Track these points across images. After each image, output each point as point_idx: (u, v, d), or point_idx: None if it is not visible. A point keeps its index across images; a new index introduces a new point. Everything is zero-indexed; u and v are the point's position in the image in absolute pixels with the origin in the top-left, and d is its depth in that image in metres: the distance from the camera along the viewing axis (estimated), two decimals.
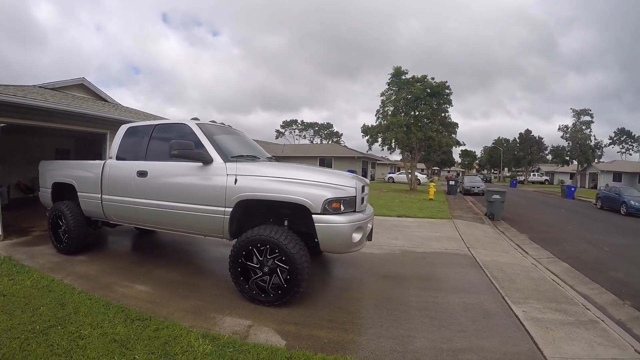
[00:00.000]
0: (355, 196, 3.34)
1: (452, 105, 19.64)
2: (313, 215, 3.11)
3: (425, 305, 3.41)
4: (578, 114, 38.78)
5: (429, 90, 18.96)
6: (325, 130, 71.92)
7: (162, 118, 7.46)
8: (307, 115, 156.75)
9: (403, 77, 19.74)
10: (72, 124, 6.14)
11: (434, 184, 16.58)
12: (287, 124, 71.23)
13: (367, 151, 26.06)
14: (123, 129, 4.48)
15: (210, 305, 3.26)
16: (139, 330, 2.70)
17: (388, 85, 20.26)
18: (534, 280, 4.32)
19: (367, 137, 20.66)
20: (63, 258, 4.53)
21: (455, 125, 20.31)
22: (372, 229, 3.85)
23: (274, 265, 3.20)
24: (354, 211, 3.34)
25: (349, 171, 19.12)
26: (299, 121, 71.48)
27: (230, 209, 3.40)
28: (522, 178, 48.86)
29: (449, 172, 67.51)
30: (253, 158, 4.09)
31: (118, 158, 4.33)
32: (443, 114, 19.69)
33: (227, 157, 3.66)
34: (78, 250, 4.67)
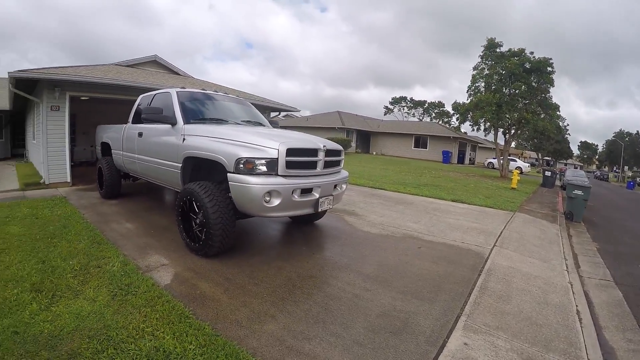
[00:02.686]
0: (277, 158, 3.63)
1: (553, 85, 18.14)
2: (228, 174, 3.63)
3: (339, 295, 3.21)
4: None
5: (527, 66, 17.63)
6: (435, 109, 71.96)
7: (230, 91, 8.89)
8: (420, 94, 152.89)
9: (497, 50, 18.83)
10: (134, 95, 8.19)
11: (517, 171, 15.27)
12: (396, 101, 74.09)
13: (452, 128, 25.08)
14: (139, 97, 5.88)
15: (157, 244, 4.24)
16: (91, 249, 3.89)
17: (481, 58, 19.48)
18: (544, 307, 3.42)
19: (457, 115, 20.28)
20: (100, 201, 6.37)
21: (557, 107, 18.68)
22: (319, 200, 4.02)
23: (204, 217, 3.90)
24: (276, 174, 3.69)
25: (443, 152, 19.68)
26: (409, 98, 74.18)
27: (180, 165, 4.28)
28: None
29: (565, 164, 60.41)
30: (218, 121, 4.84)
31: (133, 122, 5.77)
32: (543, 95, 18.21)
33: (188, 120, 4.52)
34: (112, 195, 6.45)
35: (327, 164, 4.33)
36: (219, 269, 3.65)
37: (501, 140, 20.98)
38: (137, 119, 5.68)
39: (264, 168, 3.61)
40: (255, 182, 3.51)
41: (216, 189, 3.83)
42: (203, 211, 3.71)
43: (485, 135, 21.57)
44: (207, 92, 5.51)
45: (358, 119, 39.53)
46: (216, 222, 3.66)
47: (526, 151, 57.43)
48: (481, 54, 19.51)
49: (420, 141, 34.13)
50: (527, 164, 34.25)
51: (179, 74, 12.63)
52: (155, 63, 12.17)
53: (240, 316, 2.77)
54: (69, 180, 7.65)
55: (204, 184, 3.85)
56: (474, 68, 19.80)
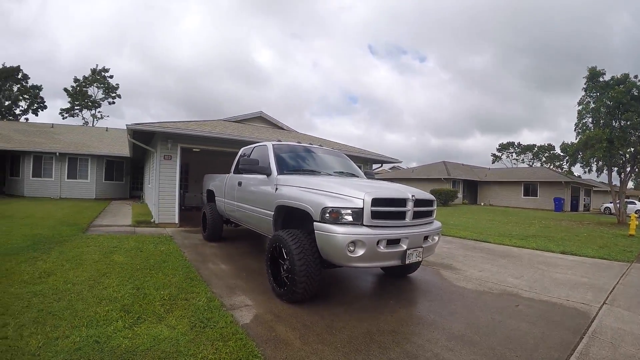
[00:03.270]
0: (362, 208, 3.67)
1: None
2: (314, 222, 3.77)
3: (416, 353, 2.99)
4: None
5: (635, 93, 15.67)
6: (545, 153, 68.30)
7: (327, 143, 9.64)
8: (528, 137, 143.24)
9: (601, 80, 17.03)
10: (238, 148, 9.35)
11: (636, 215, 12.83)
12: (503, 147, 72.70)
13: (564, 172, 22.76)
14: (241, 149, 6.69)
15: (245, 286, 4.49)
16: (183, 284, 4.35)
17: (585, 91, 17.81)
18: None
19: (566, 157, 18.69)
20: (201, 242, 7.13)
21: None
22: (407, 252, 3.88)
23: None
24: (361, 224, 3.69)
25: (555, 199, 18.51)
26: (516, 143, 72.24)
27: (273, 213, 4.61)
28: None
29: None
30: (311, 172, 5.14)
31: (235, 172, 6.52)
32: None
33: (282, 171, 4.93)
34: (213, 239, 7.17)
35: (417, 215, 4.19)
36: (299, 314, 3.68)
37: (617, 181, 18.47)
38: (239, 170, 6.42)
39: (349, 218, 3.66)
40: (340, 232, 3.54)
41: (304, 237, 3.94)
42: (290, 258, 3.85)
43: (597, 177, 19.65)
44: (302, 144, 5.99)
45: (464, 168, 38.76)
46: (301, 269, 3.74)
47: None
48: (584, 86, 17.98)
49: (530, 189, 32.31)
50: None
51: (282, 129, 13.99)
52: (261, 119, 13.77)
53: None
54: (176, 221, 8.86)
55: (292, 232, 4.03)
56: (579, 103, 18.24)
